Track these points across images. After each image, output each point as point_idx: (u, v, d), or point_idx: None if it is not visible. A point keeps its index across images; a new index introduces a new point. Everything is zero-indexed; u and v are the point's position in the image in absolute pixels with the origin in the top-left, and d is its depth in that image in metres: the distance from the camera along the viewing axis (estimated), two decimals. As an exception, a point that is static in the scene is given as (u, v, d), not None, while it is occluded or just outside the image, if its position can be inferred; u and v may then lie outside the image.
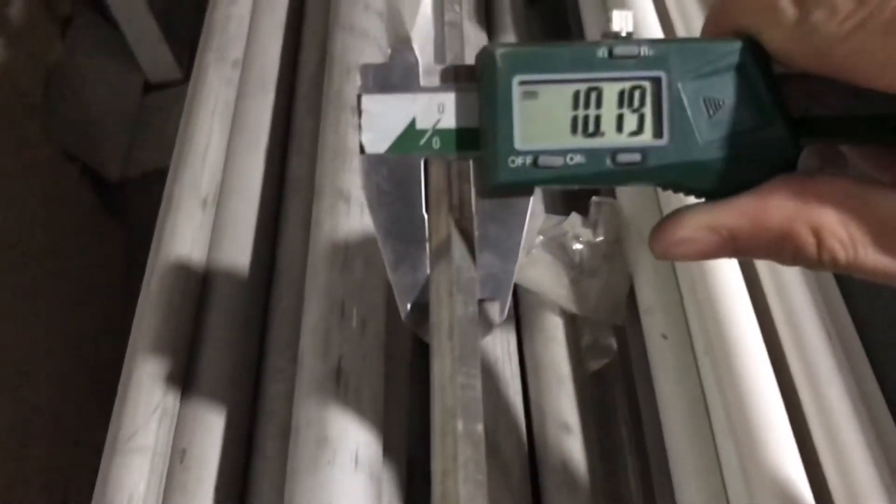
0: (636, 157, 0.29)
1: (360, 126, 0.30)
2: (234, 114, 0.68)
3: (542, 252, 0.61)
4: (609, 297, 0.61)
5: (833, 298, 0.52)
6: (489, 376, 0.58)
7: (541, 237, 0.61)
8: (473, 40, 0.73)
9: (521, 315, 0.62)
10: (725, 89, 0.29)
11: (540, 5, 0.83)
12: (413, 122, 0.30)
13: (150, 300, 0.57)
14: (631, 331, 0.61)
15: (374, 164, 0.30)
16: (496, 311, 0.32)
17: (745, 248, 0.29)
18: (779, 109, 0.29)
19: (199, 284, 0.59)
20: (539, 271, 0.60)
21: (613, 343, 0.63)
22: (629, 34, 0.29)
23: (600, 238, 0.61)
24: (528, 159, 0.29)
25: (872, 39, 0.25)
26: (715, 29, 0.30)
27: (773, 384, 0.48)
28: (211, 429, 0.54)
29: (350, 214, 0.56)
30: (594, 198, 0.61)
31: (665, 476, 0.53)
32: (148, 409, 0.53)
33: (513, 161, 0.29)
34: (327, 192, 0.58)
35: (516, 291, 0.63)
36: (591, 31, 0.71)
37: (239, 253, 0.61)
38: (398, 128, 0.30)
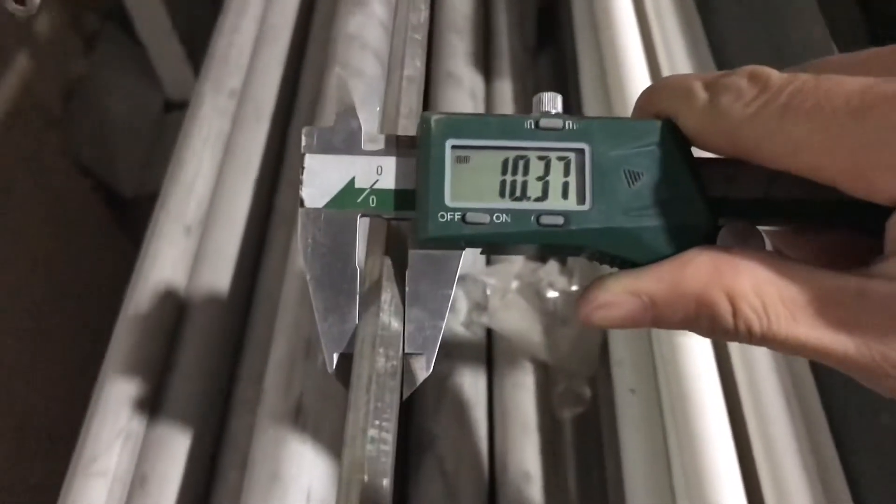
0: (559, 219, 0.30)
1: (301, 182, 0.31)
2: (227, 143, 0.69)
3: (517, 297, 0.61)
4: (582, 347, 0.61)
5: (796, 362, 0.52)
6: (455, 420, 0.58)
7: (517, 282, 0.61)
8: (468, 85, 0.73)
9: (492, 360, 0.62)
10: (645, 163, 0.30)
11: (543, 58, 0.84)
12: (352, 181, 0.32)
13: (125, 324, 0.58)
14: (602, 381, 0.61)
15: (311, 218, 0.31)
16: (422, 365, 0.32)
17: (664, 315, 0.29)
18: (697, 187, 0.30)
19: (175, 311, 0.60)
20: (513, 316, 0.60)
21: (587, 392, 0.63)
22: (557, 113, 0.31)
23: (575, 287, 0.61)
24: (458, 215, 0.30)
25: (772, 122, 0.27)
26: (641, 114, 0.32)
27: (731, 450, 0.48)
28: (174, 455, 0.55)
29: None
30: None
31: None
32: (112, 433, 0.53)
33: (442, 216, 0.30)
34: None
35: (490, 335, 0.63)
36: (588, 86, 0.72)
37: (219, 282, 0.62)
38: (338, 185, 0.32)
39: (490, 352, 0.63)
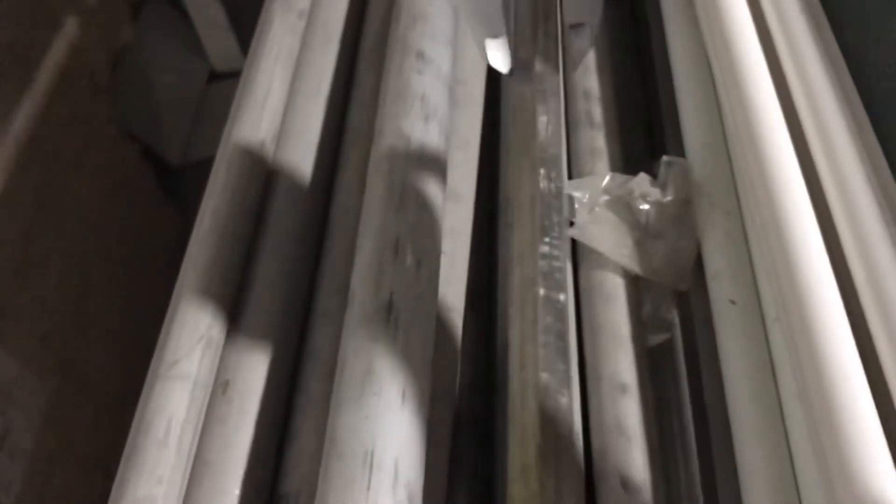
0: None
1: None
2: (296, 63, 0.67)
3: (605, 211, 0.58)
4: (675, 260, 0.58)
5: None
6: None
7: (606, 196, 0.58)
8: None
9: (580, 274, 0.60)
10: None
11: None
12: None
13: (202, 235, 0.56)
14: (695, 297, 0.58)
15: None
16: (587, 35, 0.29)
17: None
18: None
19: (252, 224, 0.58)
20: (602, 230, 0.58)
21: (674, 317, 0.60)
22: None
23: (669, 198, 0.58)
24: None
25: None
26: None
27: (854, 353, 0.44)
28: (255, 364, 0.53)
29: (408, 157, 0.54)
30: (664, 157, 0.59)
31: (727, 441, 0.50)
32: (192, 339, 0.51)
33: None
34: (387, 135, 0.56)
35: (576, 248, 0.61)
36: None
37: (294, 196, 0.60)
38: None
39: (576, 267, 0.60)
